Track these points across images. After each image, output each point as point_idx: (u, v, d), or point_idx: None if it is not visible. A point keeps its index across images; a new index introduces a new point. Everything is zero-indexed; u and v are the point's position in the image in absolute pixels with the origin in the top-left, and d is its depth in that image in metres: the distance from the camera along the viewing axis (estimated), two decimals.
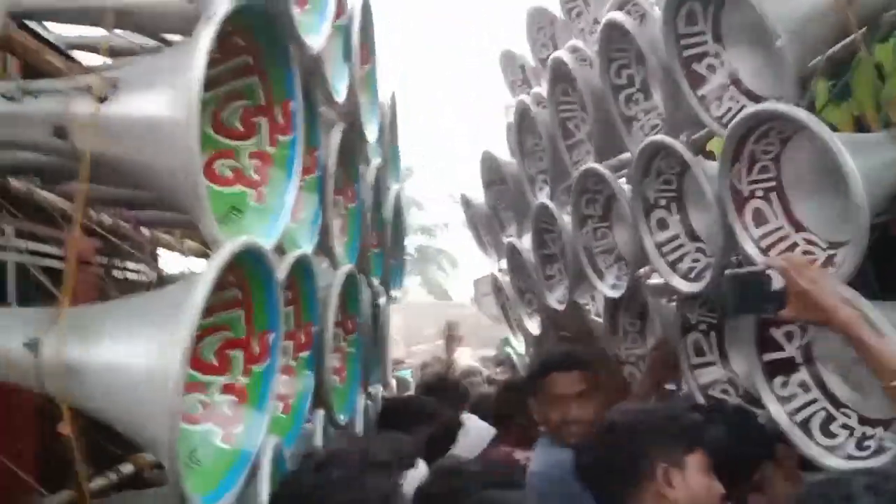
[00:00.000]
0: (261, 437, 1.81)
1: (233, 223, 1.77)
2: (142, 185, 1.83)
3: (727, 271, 1.98)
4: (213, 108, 1.79)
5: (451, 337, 5.14)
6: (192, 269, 4.08)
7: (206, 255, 4.03)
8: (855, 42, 2.82)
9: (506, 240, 5.44)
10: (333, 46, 2.35)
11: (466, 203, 6.20)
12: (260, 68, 1.81)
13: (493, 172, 5.50)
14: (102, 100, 1.58)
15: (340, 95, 2.40)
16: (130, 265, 3.71)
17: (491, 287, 6.39)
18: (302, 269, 2.18)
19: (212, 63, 1.55)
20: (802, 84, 2.79)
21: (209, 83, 1.58)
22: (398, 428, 2.81)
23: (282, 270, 1.96)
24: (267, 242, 1.75)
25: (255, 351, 1.83)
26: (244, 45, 1.76)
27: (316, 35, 2.04)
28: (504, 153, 5.46)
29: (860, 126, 3.26)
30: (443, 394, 3.87)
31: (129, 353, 1.47)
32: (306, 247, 2.28)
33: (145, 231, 3.36)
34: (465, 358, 7.58)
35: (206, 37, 1.44)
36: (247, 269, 1.70)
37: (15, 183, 2.36)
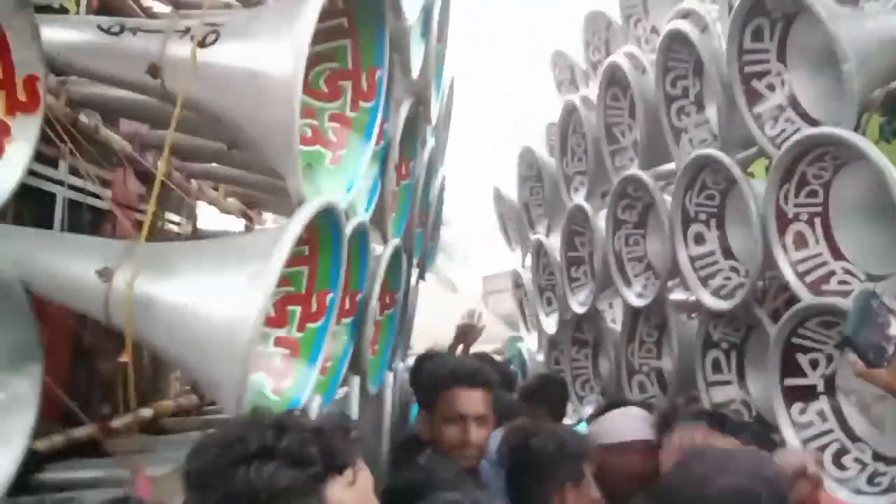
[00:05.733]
0: (308, 393, 1.84)
1: (306, 180, 1.80)
2: (228, 135, 1.86)
3: (865, 287, 1.82)
4: None
5: (469, 327, 5.07)
6: (229, 228, 4.13)
7: (245, 216, 4.07)
8: None
9: (533, 237, 5.47)
10: (415, 19, 2.36)
11: (498, 196, 6.24)
12: (353, 32, 1.84)
13: (529, 168, 5.53)
14: (202, 44, 1.60)
15: (415, 71, 2.42)
16: (170, 215, 3.75)
17: (511, 283, 6.42)
18: (358, 236, 2.20)
19: None
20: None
21: None
22: None
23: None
24: (340, 205, 1.78)
25: (312, 308, 1.86)
26: (342, 6, 1.79)
27: (411, 5, 2.06)
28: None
29: None
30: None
31: (205, 294, 1.49)
32: (363, 215, 2.31)
33: (193, 183, 3.39)
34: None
35: None
36: (319, 227, 1.73)
37: (83, 117, 2.39)
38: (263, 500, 1.07)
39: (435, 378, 2.34)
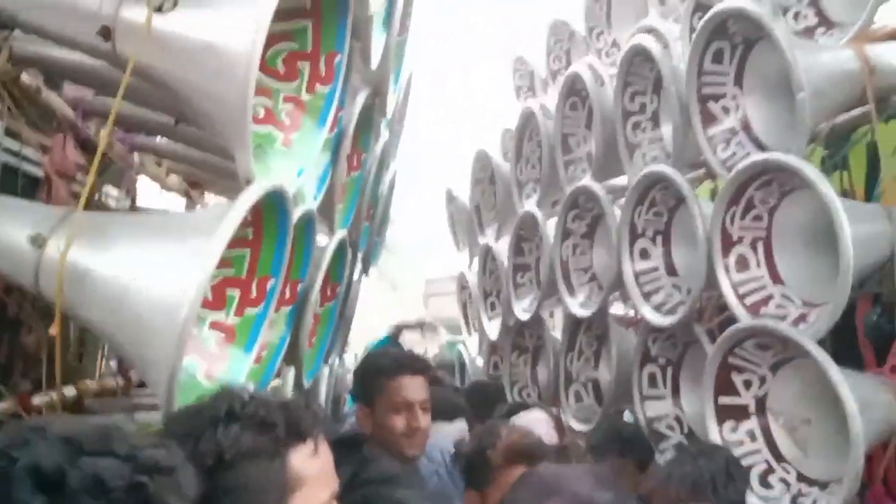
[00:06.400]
0: (241, 380, 1.79)
1: (256, 161, 1.74)
2: (177, 105, 1.79)
3: None
4: None
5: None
6: (169, 207, 4.02)
7: (187, 195, 3.97)
8: (863, 116, 2.93)
9: (482, 240, 5.47)
10: (379, 9, 2.34)
11: (450, 197, 6.22)
12: (315, 14, 1.80)
13: (483, 171, 5.53)
14: (159, 10, 1.54)
15: (375, 61, 2.39)
16: (109, 188, 3.63)
17: (453, 287, 6.43)
18: (305, 224, 2.16)
19: None
20: None
21: None
22: None
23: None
24: (289, 189, 1.73)
25: (252, 294, 1.81)
26: None
27: None
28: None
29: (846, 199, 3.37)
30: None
31: (143, 268, 1.43)
32: (311, 203, 2.26)
33: (135, 156, 3.28)
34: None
35: None
36: (266, 211, 1.68)
37: (26, 77, 2.28)
38: (228, 460, 1.11)
39: (379, 368, 2.36)
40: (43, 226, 1.55)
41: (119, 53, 1.58)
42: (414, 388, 2.31)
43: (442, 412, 2.81)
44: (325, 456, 1.21)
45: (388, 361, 2.40)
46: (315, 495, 1.17)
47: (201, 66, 1.48)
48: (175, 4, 1.54)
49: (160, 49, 1.53)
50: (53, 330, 1.51)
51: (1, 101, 2.13)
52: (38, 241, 1.53)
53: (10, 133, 2.67)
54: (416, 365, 2.40)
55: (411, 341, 6.09)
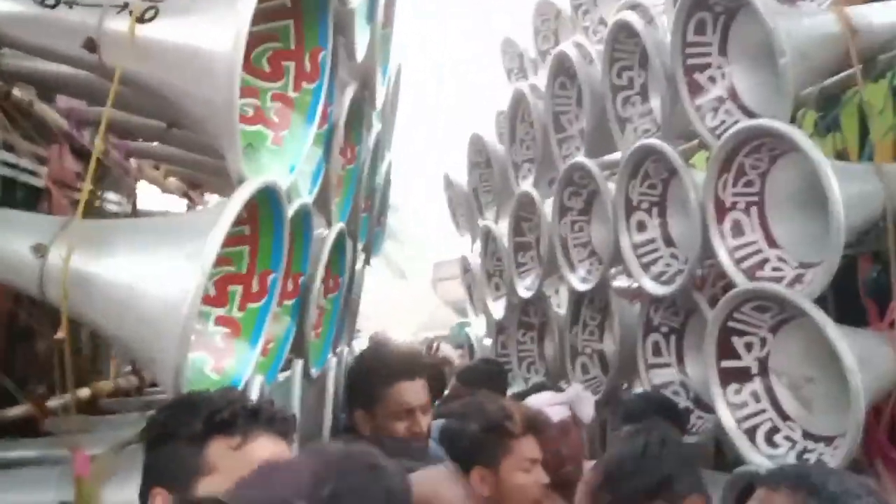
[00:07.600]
0: (249, 373, 1.84)
1: (248, 160, 1.79)
2: (168, 110, 1.83)
3: None
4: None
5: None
6: (170, 209, 4.07)
7: (187, 196, 4.02)
8: (851, 77, 2.95)
9: (482, 223, 5.52)
10: (360, 3, 2.37)
11: (448, 182, 6.26)
12: (296, 12, 1.83)
13: (479, 155, 5.56)
14: (140, 20, 1.58)
15: (360, 55, 2.43)
16: (109, 195, 3.68)
17: (459, 268, 6.48)
18: (301, 217, 2.20)
19: None
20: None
21: None
22: None
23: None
24: (281, 185, 1.77)
25: (254, 288, 1.86)
26: None
27: None
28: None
29: (840, 159, 3.39)
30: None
31: (143, 271, 1.48)
32: (306, 198, 2.31)
33: (132, 162, 3.33)
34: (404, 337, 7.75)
35: None
36: (260, 207, 1.73)
37: (17, 92, 2.33)
38: (160, 436, 1.29)
39: (376, 376, 2.34)
40: (44, 235, 1.59)
41: (105, 64, 1.63)
42: (413, 392, 2.27)
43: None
44: (256, 454, 1.25)
45: (384, 369, 2.34)
46: (225, 484, 1.21)
47: (186, 70, 1.53)
48: (157, 13, 1.58)
49: (145, 57, 1.57)
50: (60, 335, 1.56)
51: None
52: (40, 251, 1.58)
53: (6, 146, 2.72)
54: (413, 369, 2.35)
55: None
